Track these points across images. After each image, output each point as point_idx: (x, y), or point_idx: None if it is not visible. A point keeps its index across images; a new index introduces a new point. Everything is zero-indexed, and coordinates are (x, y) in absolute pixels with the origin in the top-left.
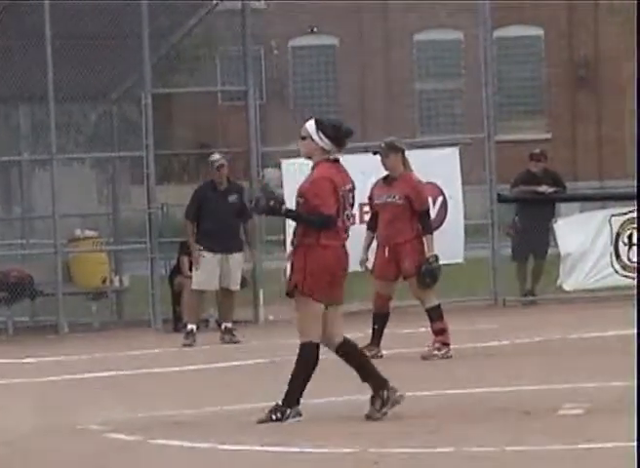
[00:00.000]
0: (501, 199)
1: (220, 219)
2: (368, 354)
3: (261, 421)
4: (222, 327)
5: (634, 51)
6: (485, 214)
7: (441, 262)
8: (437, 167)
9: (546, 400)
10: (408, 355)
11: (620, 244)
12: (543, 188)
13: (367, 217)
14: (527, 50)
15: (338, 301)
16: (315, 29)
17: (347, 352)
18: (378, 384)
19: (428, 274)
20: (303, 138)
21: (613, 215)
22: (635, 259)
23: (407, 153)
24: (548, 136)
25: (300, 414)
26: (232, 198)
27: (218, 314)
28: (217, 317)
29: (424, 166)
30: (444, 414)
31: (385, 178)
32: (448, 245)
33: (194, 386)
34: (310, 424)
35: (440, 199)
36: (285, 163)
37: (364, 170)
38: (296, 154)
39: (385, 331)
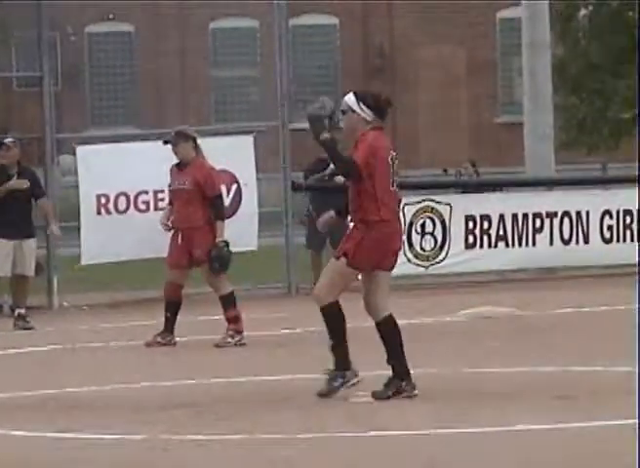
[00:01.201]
0: (295, 187)
1: (12, 205)
2: (161, 341)
3: (326, 393)
4: (16, 313)
5: (433, 39)
6: (279, 202)
7: (235, 250)
8: (232, 154)
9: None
10: (202, 342)
11: (413, 233)
12: (339, 178)
13: (162, 204)
14: (322, 38)
15: (385, 268)
16: (112, 16)
17: (386, 330)
18: (401, 372)
19: (217, 260)
20: (344, 112)
21: (406, 204)
22: (428, 248)
23: (201, 140)
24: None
25: (357, 375)
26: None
27: (12, 300)
28: (11, 303)
29: (219, 153)
30: (236, 402)
31: (178, 165)
32: (242, 232)
33: None
34: (100, 411)
35: (234, 186)
36: (79, 149)
37: (163, 157)
38: (90, 140)
39: (179, 318)
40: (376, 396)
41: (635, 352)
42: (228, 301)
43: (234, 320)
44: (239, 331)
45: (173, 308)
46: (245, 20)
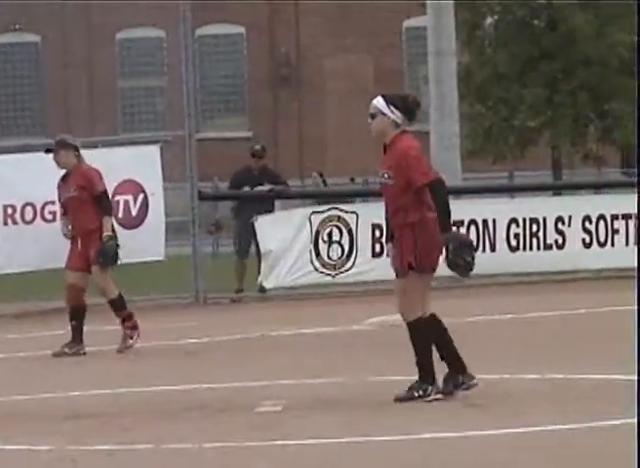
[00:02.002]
0: (202, 196)
1: None
2: (68, 352)
3: (401, 398)
4: None
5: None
6: (186, 211)
7: (142, 260)
8: (138, 164)
9: (245, 397)
10: (109, 352)
11: (320, 242)
12: (267, 187)
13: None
14: (228, 48)
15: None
16: (18, 26)
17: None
18: (457, 367)
19: (102, 254)
20: (373, 117)
21: (313, 213)
22: (335, 257)
23: (107, 150)
24: (250, 133)
25: (440, 392)
26: None
27: None
28: None
29: (126, 163)
30: (142, 412)
31: (63, 178)
32: (149, 242)
33: None
34: (7, 421)
35: (141, 196)
36: None
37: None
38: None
39: (88, 328)
40: (399, 398)
41: (546, 359)
42: (118, 304)
43: (128, 318)
44: (135, 327)
45: (77, 315)
46: (151, 31)
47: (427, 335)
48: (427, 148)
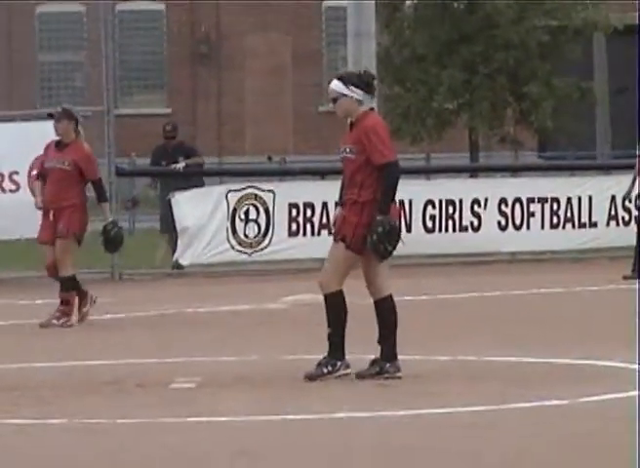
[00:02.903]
0: (120, 172)
1: None
2: (57, 323)
3: (311, 376)
4: None
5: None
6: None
7: None
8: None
9: (159, 373)
10: (24, 326)
11: (237, 220)
12: (181, 164)
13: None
14: (148, 24)
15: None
16: None
17: (384, 309)
18: (388, 355)
19: (110, 242)
20: (334, 100)
21: (230, 191)
22: (251, 235)
23: (26, 125)
24: (168, 110)
25: (349, 367)
26: None
27: None
28: None
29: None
30: (57, 387)
31: (57, 144)
32: None
33: None
34: None
35: None
36: None
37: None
38: None
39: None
40: (359, 375)
41: (457, 341)
42: (67, 284)
43: (66, 302)
44: (67, 314)
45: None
46: (71, 5)
47: (342, 310)
48: (344, 128)
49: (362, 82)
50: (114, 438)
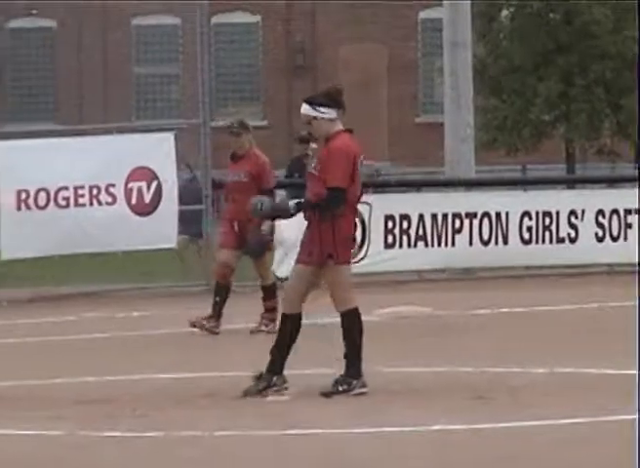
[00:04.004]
0: (216, 185)
1: None
2: (206, 325)
3: (327, 394)
4: None
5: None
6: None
7: (154, 247)
8: (152, 151)
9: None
10: (119, 339)
11: None
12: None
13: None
14: (244, 37)
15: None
16: (34, 11)
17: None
18: (275, 368)
19: (256, 244)
20: (309, 123)
21: None
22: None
23: (121, 137)
24: (264, 123)
25: (365, 386)
26: None
27: None
28: None
29: (139, 150)
30: (154, 399)
31: (233, 156)
32: (161, 229)
33: None
34: (18, 406)
35: (155, 183)
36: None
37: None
38: (10, 135)
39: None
40: (324, 393)
41: (555, 353)
42: (270, 291)
43: (271, 310)
44: (272, 320)
45: (221, 293)
46: (167, 18)
47: (358, 330)
48: (441, 139)
49: (329, 100)
50: (210, 450)
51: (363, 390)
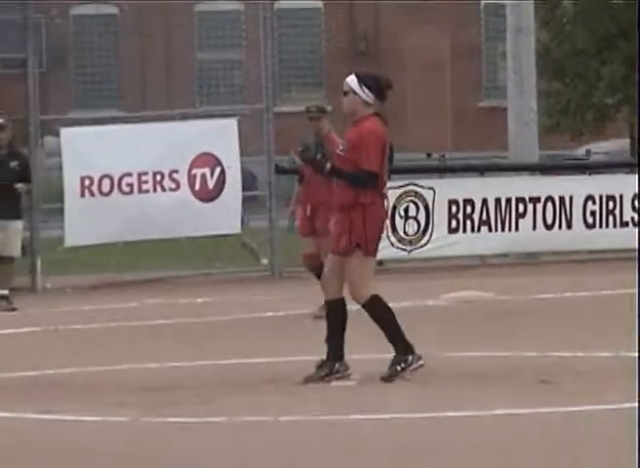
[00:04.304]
0: (279, 170)
1: (1, 186)
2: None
3: (387, 377)
4: None
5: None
6: (263, 185)
7: (218, 233)
8: (215, 137)
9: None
10: (175, 326)
11: (397, 217)
12: None
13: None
14: (307, 22)
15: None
16: None
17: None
18: (335, 355)
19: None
20: (345, 94)
21: (390, 188)
22: (411, 232)
23: (185, 123)
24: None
25: (421, 358)
26: (13, 164)
27: None
28: None
29: (203, 136)
30: (218, 385)
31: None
32: (225, 215)
33: None
34: (81, 393)
35: (218, 169)
36: (64, 131)
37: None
38: (74, 122)
39: (159, 301)
40: (384, 378)
41: (619, 337)
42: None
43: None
44: None
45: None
46: (230, 3)
47: (386, 313)
48: (504, 124)
49: (376, 86)
50: (276, 435)
51: (420, 363)
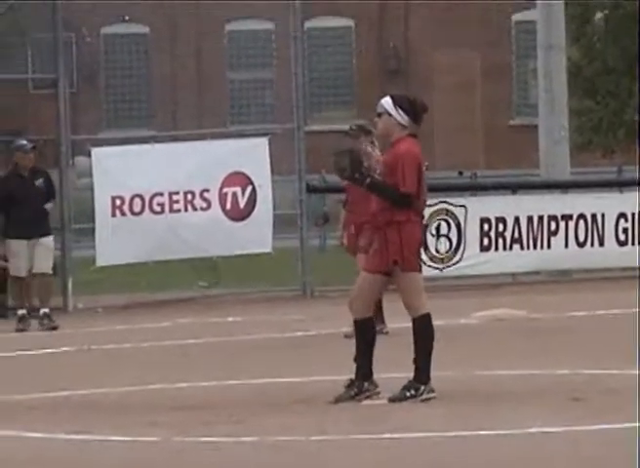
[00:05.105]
0: (311, 189)
1: (30, 205)
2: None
3: (395, 399)
4: (41, 312)
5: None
6: (294, 204)
7: (249, 252)
8: (246, 156)
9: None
10: (211, 345)
11: (429, 235)
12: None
13: (177, 206)
14: (337, 41)
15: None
16: (127, 17)
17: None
18: (364, 374)
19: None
20: (379, 115)
21: None
22: (443, 250)
23: (216, 143)
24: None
25: (434, 391)
26: (39, 182)
27: (31, 301)
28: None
29: (234, 155)
30: (249, 404)
31: None
32: (256, 234)
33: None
34: (113, 412)
35: (249, 188)
36: (95, 151)
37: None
38: (105, 142)
39: (189, 320)
40: (392, 399)
41: None
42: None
43: None
44: None
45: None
46: (260, 23)
47: (430, 335)
48: (536, 142)
49: (412, 109)
50: (308, 455)
51: (431, 395)
